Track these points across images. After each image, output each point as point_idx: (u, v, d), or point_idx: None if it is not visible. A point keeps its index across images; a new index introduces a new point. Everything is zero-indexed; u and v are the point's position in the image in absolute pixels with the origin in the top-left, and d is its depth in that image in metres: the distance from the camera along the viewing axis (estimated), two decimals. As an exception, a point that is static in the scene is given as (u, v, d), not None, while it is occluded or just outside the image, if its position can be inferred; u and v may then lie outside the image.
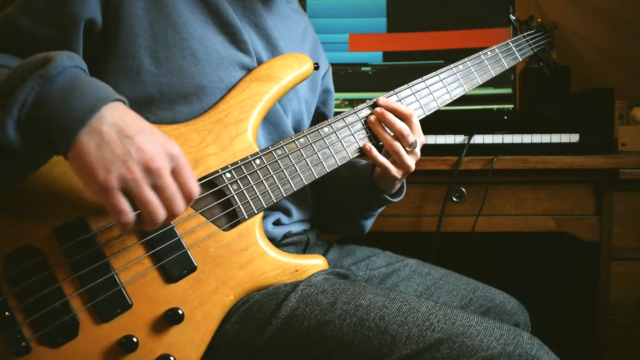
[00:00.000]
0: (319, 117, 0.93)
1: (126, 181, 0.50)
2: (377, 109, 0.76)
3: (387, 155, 0.77)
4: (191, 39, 0.67)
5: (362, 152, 0.76)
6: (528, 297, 0.96)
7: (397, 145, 0.75)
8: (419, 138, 0.77)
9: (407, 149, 0.75)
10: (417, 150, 0.77)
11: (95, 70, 0.65)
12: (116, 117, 0.51)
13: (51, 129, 0.50)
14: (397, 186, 0.82)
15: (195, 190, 0.55)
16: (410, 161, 0.76)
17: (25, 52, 0.60)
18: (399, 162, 0.75)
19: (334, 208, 0.89)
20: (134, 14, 0.65)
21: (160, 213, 0.52)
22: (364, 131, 0.76)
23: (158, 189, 0.52)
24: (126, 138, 0.51)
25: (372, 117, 0.76)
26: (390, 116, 0.75)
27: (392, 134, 0.76)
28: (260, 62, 0.73)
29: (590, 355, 1.14)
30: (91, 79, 0.53)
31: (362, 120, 0.76)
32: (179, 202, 0.53)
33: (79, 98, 0.50)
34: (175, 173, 0.53)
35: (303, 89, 0.83)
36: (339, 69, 1.35)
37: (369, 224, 0.90)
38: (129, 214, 0.51)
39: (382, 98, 0.77)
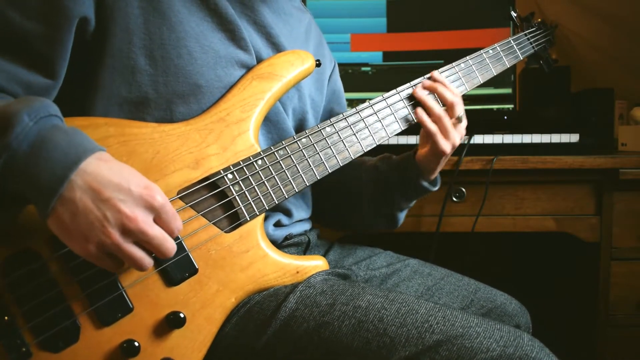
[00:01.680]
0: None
1: (107, 246, 0.50)
2: (427, 82, 0.80)
3: (425, 140, 0.81)
4: (187, 37, 0.66)
5: (363, 153, 0.75)
6: (528, 297, 0.96)
7: (444, 115, 0.78)
8: (463, 115, 0.81)
9: (453, 120, 0.78)
10: (462, 126, 0.80)
11: (89, 71, 0.64)
12: (89, 179, 0.49)
13: (24, 197, 0.50)
14: (439, 169, 0.83)
15: (179, 228, 0.55)
16: (456, 134, 0.79)
17: (16, 48, 0.59)
18: (443, 132, 0.78)
19: (368, 203, 0.88)
20: (129, 12, 0.63)
21: (147, 263, 0.53)
22: (366, 130, 0.76)
23: (143, 242, 0.52)
24: (102, 202, 0.49)
25: (420, 88, 0.80)
26: (442, 88, 0.79)
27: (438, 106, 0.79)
28: (260, 60, 0.72)
29: (590, 355, 1.14)
30: (58, 135, 0.50)
31: (365, 119, 0.76)
32: (169, 246, 0.53)
33: (47, 166, 0.48)
34: (157, 220, 0.53)
35: (307, 86, 0.82)
36: (339, 69, 1.34)
37: (402, 216, 0.90)
38: (117, 268, 0.53)
39: (437, 73, 0.82)
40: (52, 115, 0.52)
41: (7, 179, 0.49)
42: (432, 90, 0.80)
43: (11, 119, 0.49)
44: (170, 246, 0.53)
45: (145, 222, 0.51)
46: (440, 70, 0.83)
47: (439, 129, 0.78)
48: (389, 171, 0.85)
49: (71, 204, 0.49)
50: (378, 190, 0.86)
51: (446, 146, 0.78)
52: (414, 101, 0.80)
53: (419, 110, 0.78)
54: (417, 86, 0.80)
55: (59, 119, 0.54)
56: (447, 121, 0.78)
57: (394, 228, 0.91)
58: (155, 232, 0.52)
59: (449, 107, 0.79)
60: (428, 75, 0.82)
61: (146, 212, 0.52)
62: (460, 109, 0.79)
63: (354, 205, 0.89)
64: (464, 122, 0.81)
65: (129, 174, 0.52)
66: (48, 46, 0.60)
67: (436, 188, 0.85)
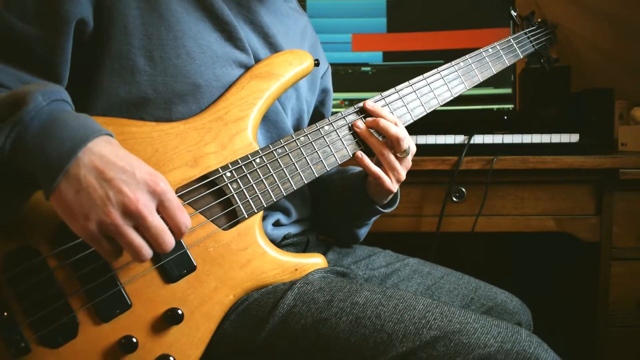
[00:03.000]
0: (317, 117, 0.92)
1: (106, 226, 0.50)
2: (368, 120, 0.75)
3: (377, 163, 0.76)
4: (185, 38, 0.66)
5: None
6: (528, 297, 0.95)
7: (388, 152, 0.73)
8: (411, 145, 0.75)
9: (399, 155, 0.74)
10: (410, 158, 0.76)
11: (88, 71, 0.65)
12: (95, 158, 0.50)
13: (30, 175, 0.50)
14: (390, 196, 0.81)
15: (186, 223, 0.54)
16: (402, 170, 0.75)
17: (19, 54, 0.60)
18: (389, 169, 0.74)
19: (329, 216, 0.89)
20: (127, 14, 0.64)
21: (145, 253, 0.52)
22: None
23: (142, 229, 0.51)
24: (105, 181, 0.50)
25: (360, 124, 0.74)
26: (383, 122, 0.73)
27: (382, 139, 0.74)
28: (257, 60, 0.73)
29: (590, 355, 1.14)
30: (69, 117, 0.51)
31: (362, 118, 0.76)
32: (166, 239, 0.52)
33: (55, 144, 0.49)
34: (161, 209, 0.53)
35: (303, 87, 0.83)
36: (340, 69, 1.35)
37: (363, 232, 0.89)
38: (114, 254, 0.52)
39: (370, 102, 0.76)
40: (64, 101, 0.54)
41: (18, 156, 0.50)
42: (372, 126, 0.74)
43: (26, 97, 0.50)
44: (168, 240, 0.53)
45: (146, 207, 0.51)
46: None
47: (383, 170, 0.74)
48: (342, 190, 0.84)
49: (75, 180, 0.49)
50: (335, 206, 0.86)
51: (393, 187, 0.75)
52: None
53: (359, 153, 0.74)
54: (357, 121, 0.74)
55: (70, 106, 0.55)
56: (393, 159, 0.74)
57: (356, 243, 0.90)
58: (155, 220, 0.52)
59: (394, 141, 0.73)
60: (360, 105, 0.75)
61: (148, 197, 0.51)
62: (407, 142, 0.73)
63: (326, 216, 0.89)
64: (413, 150, 0.75)
65: (133, 159, 0.53)
66: (49, 51, 0.61)
67: (392, 209, 0.83)
